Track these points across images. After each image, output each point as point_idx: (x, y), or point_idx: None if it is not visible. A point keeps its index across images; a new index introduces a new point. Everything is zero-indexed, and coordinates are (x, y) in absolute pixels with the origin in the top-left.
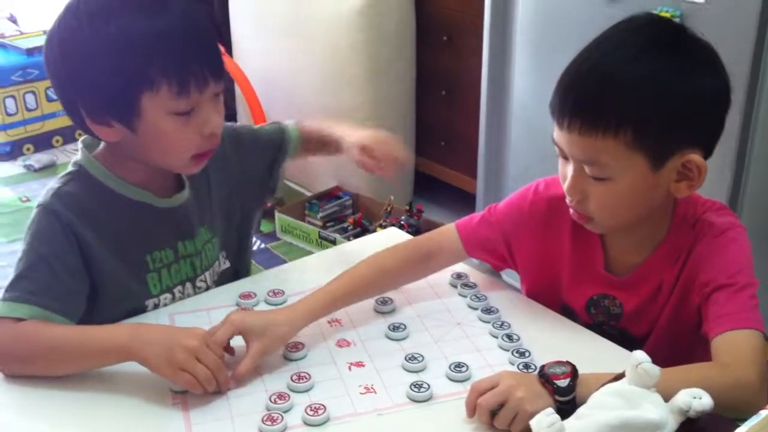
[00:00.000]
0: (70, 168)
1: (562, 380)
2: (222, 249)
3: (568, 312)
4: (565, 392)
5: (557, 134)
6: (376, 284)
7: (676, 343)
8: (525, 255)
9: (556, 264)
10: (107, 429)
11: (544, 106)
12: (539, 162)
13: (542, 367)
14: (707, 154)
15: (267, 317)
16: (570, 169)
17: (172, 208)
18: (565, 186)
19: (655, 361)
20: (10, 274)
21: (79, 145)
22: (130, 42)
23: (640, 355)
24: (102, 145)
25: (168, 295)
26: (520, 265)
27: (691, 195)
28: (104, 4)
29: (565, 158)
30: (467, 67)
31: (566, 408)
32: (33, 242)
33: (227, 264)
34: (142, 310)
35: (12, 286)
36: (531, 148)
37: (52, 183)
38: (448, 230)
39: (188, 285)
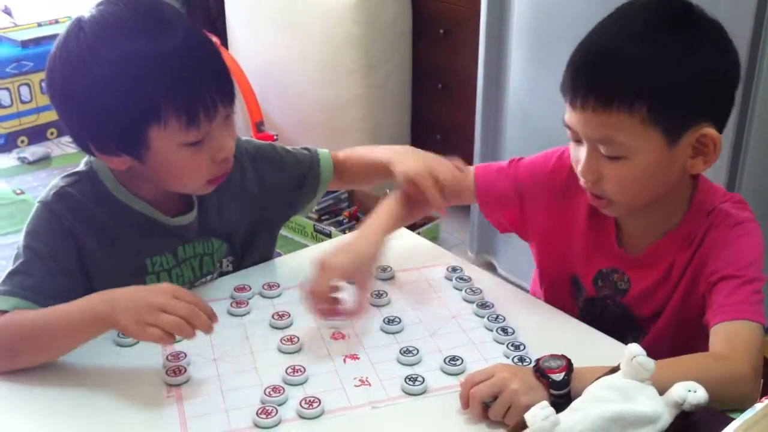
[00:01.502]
0: (81, 167)
1: (557, 374)
2: (229, 254)
3: (575, 283)
4: (560, 386)
5: (569, 116)
6: (407, 206)
7: (679, 333)
8: (539, 219)
9: (570, 233)
10: (101, 422)
11: (541, 100)
12: None
13: (537, 360)
14: (719, 129)
15: (351, 254)
16: (583, 152)
17: (182, 227)
18: (578, 169)
19: (656, 350)
20: (3, 267)
21: None
22: (134, 70)
23: (634, 348)
24: None
25: None
26: (531, 228)
27: (712, 185)
28: (105, 28)
29: (577, 141)
30: (463, 61)
31: (561, 402)
32: (30, 239)
33: (230, 268)
34: None
35: (5, 281)
36: (527, 142)
37: (57, 180)
38: (467, 171)
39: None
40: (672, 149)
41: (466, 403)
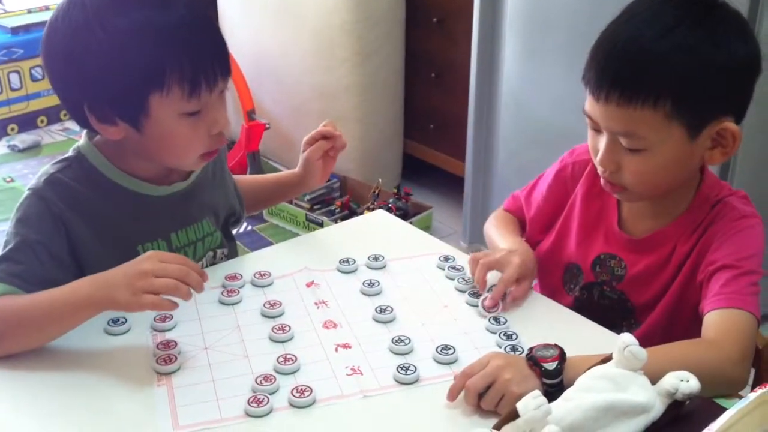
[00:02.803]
0: (69, 153)
1: (550, 363)
2: (223, 246)
3: (570, 270)
4: (553, 375)
5: (591, 107)
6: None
7: (674, 324)
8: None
9: (566, 222)
10: (92, 411)
11: (534, 89)
12: (528, 145)
13: (530, 349)
14: (738, 121)
15: (518, 259)
16: (602, 142)
17: (168, 197)
18: (597, 158)
19: (650, 342)
20: None
21: (83, 132)
22: (143, 40)
23: (627, 337)
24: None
25: None
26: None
27: (717, 179)
28: None
29: (597, 131)
30: (457, 50)
31: (554, 391)
32: (20, 226)
33: (225, 259)
34: None
35: None
36: (520, 131)
37: (47, 167)
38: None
39: None
40: (693, 142)
41: (454, 396)
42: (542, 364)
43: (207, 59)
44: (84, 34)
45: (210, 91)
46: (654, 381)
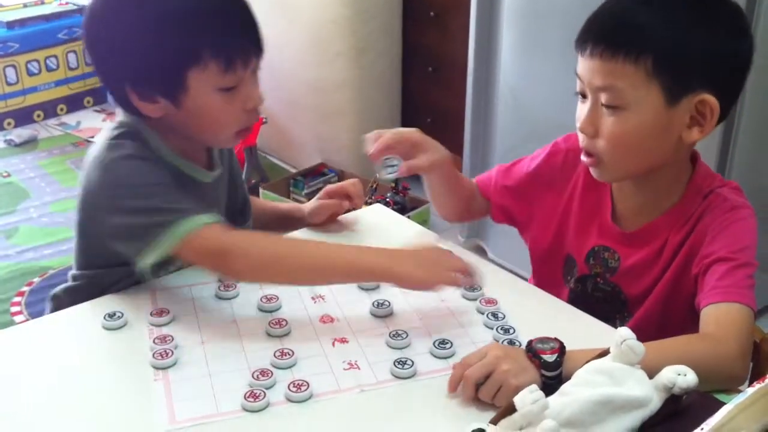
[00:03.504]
0: (117, 129)
1: (549, 355)
2: None
3: (571, 261)
4: (552, 367)
5: (580, 64)
6: None
7: (667, 316)
8: (544, 204)
9: (566, 213)
10: (88, 405)
11: (531, 83)
12: (525, 140)
13: (530, 342)
14: (723, 107)
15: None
16: (586, 107)
17: (209, 184)
18: (578, 123)
19: (643, 334)
20: None
21: (118, 109)
22: (180, 19)
23: (624, 332)
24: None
25: None
26: (534, 216)
27: (709, 170)
28: None
29: (584, 97)
30: (454, 44)
31: (552, 383)
32: (133, 187)
33: None
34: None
35: (153, 225)
36: (517, 125)
37: (110, 141)
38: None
39: None
40: (670, 110)
41: (454, 386)
42: (542, 355)
43: (242, 37)
44: (124, 16)
45: (245, 68)
46: (651, 373)
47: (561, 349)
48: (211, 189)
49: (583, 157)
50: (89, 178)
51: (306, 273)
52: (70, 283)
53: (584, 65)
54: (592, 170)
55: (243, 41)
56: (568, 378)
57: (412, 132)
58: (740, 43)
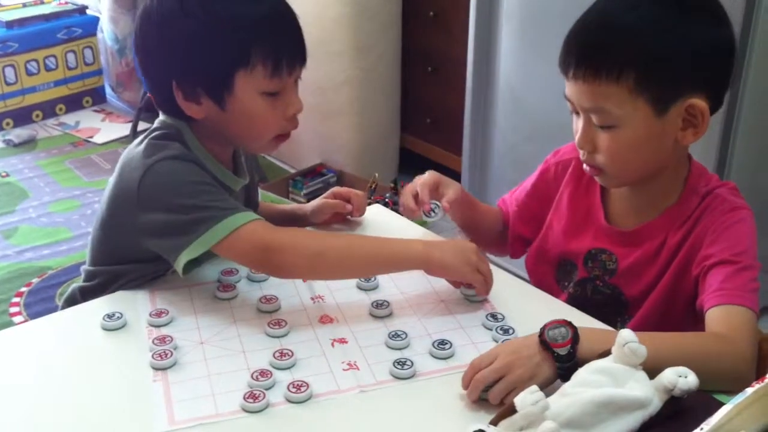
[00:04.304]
0: (159, 130)
1: (562, 348)
2: None
3: (568, 266)
4: (566, 360)
5: (567, 87)
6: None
7: (667, 316)
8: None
9: (555, 219)
10: (88, 406)
11: (531, 84)
12: (525, 140)
13: (542, 331)
14: (714, 103)
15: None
16: (581, 123)
17: (235, 192)
18: (576, 139)
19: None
20: None
21: (160, 113)
22: (235, 25)
23: (626, 334)
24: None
25: None
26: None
27: (703, 168)
28: None
29: (577, 113)
30: (453, 44)
31: (566, 373)
32: (178, 185)
33: None
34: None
35: (198, 221)
36: (517, 126)
37: (155, 141)
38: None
39: None
40: (660, 120)
41: (467, 384)
42: (554, 349)
43: (288, 45)
44: (178, 19)
45: (290, 74)
46: (660, 366)
47: (574, 338)
48: (237, 197)
49: (586, 169)
50: (126, 176)
51: (350, 266)
52: (83, 283)
53: (570, 88)
54: (596, 178)
55: (291, 48)
56: (584, 360)
57: (431, 175)
58: (720, 33)
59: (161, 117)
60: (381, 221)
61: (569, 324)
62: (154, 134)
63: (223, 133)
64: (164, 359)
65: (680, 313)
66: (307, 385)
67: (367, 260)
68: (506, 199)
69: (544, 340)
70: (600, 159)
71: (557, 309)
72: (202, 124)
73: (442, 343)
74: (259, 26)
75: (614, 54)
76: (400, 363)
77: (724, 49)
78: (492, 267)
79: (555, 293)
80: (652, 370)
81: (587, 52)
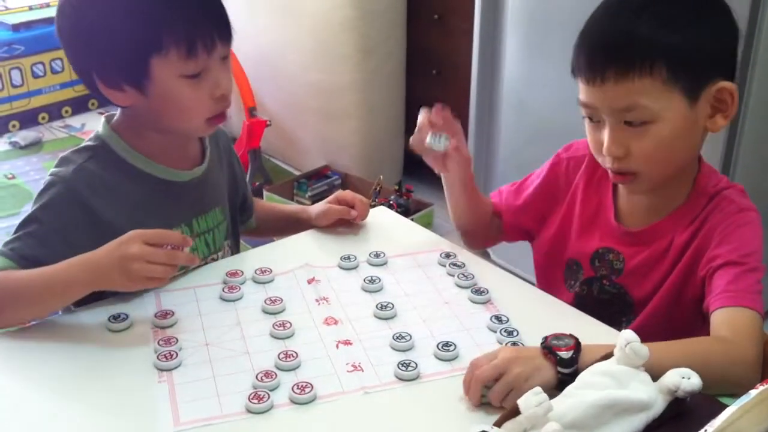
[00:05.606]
0: (89, 142)
1: (566, 352)
2: (228, 237)
3: (570, 267)
4: (568, 364)
5: (587, 94)
6: None
7: (673, 318)
8: (550, 219)
9: (567, 218)
10: (93, 406)
11: (535, 85)
12: (529, 142)
13: (545, 338)
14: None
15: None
16: (605, 131)
17: (189, 183)
18: (604, 147)
19: (650, 336)
20: None
21: (102, 120)
22: (143, 9)
23: (628, 334)
24: (118, 116)
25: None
26: (544, 226)
27: (713, 169)
28: None
29: (596, 122)
30: (458, 46)
31: (568, 379)
32: (41, 211)
33: (229, 253)
34: None
35: (6, 243)
36: (521, 129)
37: (71, 154)
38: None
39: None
40: (693, 108)
41: (468, 388)
42: (557, 352)
43: (203, 23)
44: (88, 6)
45: (208, 54)
46: (663, 371)
47: (576, 346)
48: (192, 188)
49: (615, 178)
50: None
51: (8, 306)
52: None
53: (594, 94)
54: (625, 186)
55: (206, 26)
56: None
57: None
58: (728, 20)
59: (99, 127)
60: (385, 223)
61: (571, 335)
62: (77, 147)
63: (155, 121)
64: (169, 360)
65: (686, 313)
66: (312, 387)
67: (21, 297)
68: (502, 191)
69: (547, 345)
70: (635, 162)
71: (562, 311)
72: (133, 115)
73: (446, 345)
74: (168, 7)
75: (643, 47)
76: (405, 364)
77: (734, 31)
78: (497, 269)
79: (560, 292)
80: (657, 378)
81: (616, 52)
